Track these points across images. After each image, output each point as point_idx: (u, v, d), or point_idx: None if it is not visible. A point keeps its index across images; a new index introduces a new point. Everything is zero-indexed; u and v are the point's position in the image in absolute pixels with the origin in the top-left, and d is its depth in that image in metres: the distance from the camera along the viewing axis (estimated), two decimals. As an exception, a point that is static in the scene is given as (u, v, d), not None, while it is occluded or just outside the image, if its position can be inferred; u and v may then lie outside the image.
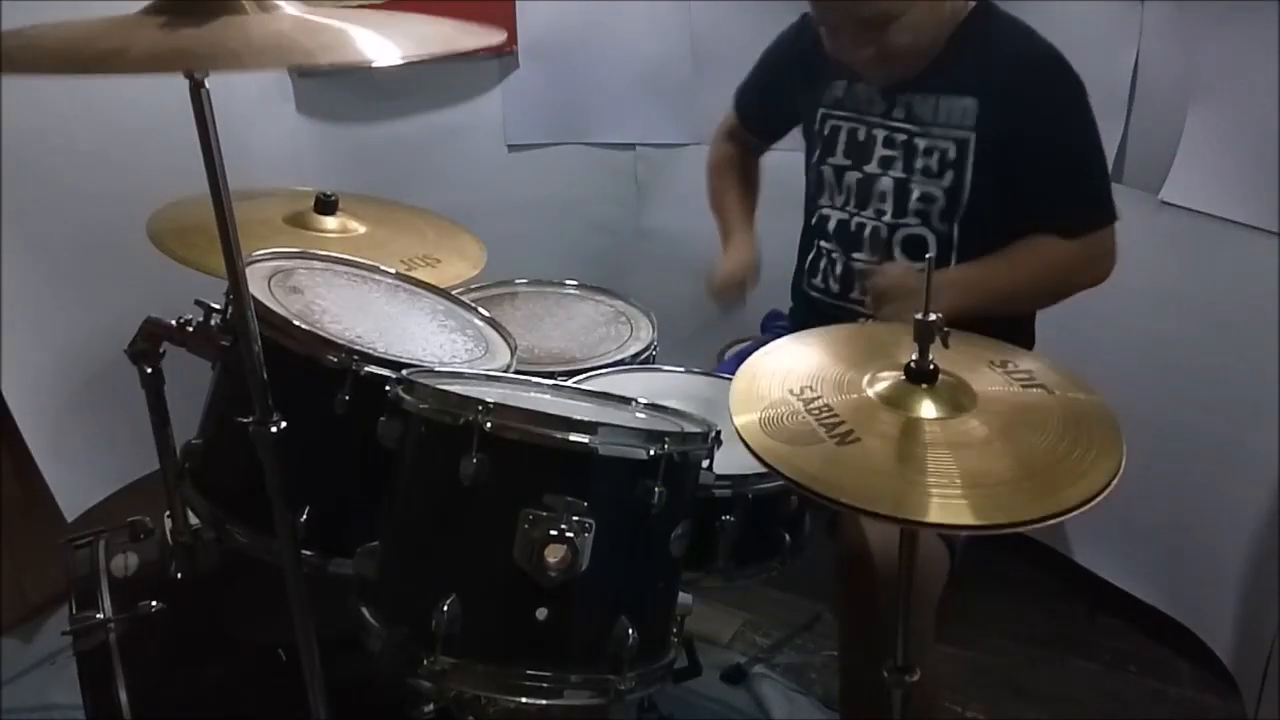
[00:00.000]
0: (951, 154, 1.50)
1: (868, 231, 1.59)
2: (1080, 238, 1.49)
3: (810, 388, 1.05)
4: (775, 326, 1.84)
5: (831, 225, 1.65)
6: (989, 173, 1.49)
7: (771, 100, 1.78)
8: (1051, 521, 0.88)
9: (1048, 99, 1.47)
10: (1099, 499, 0.90)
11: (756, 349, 1.62)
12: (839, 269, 1.64)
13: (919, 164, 1.53)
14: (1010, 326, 1.45)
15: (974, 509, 0.89)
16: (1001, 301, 1.50)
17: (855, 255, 1.61)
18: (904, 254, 1.56)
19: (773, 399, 1.04)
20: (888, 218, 1.57)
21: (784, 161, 1.85)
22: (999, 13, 1.54)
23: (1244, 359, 1.81)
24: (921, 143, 1.52)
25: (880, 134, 1.56)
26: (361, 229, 1.69)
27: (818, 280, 1.69)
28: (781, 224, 1.80)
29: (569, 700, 1.06)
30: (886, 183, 1.56)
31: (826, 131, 1.63)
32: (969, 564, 1.44)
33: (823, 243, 1.67)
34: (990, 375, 1.07)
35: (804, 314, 1.76)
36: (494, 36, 1.00)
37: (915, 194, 1.53)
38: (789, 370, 1.08)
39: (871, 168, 1.57)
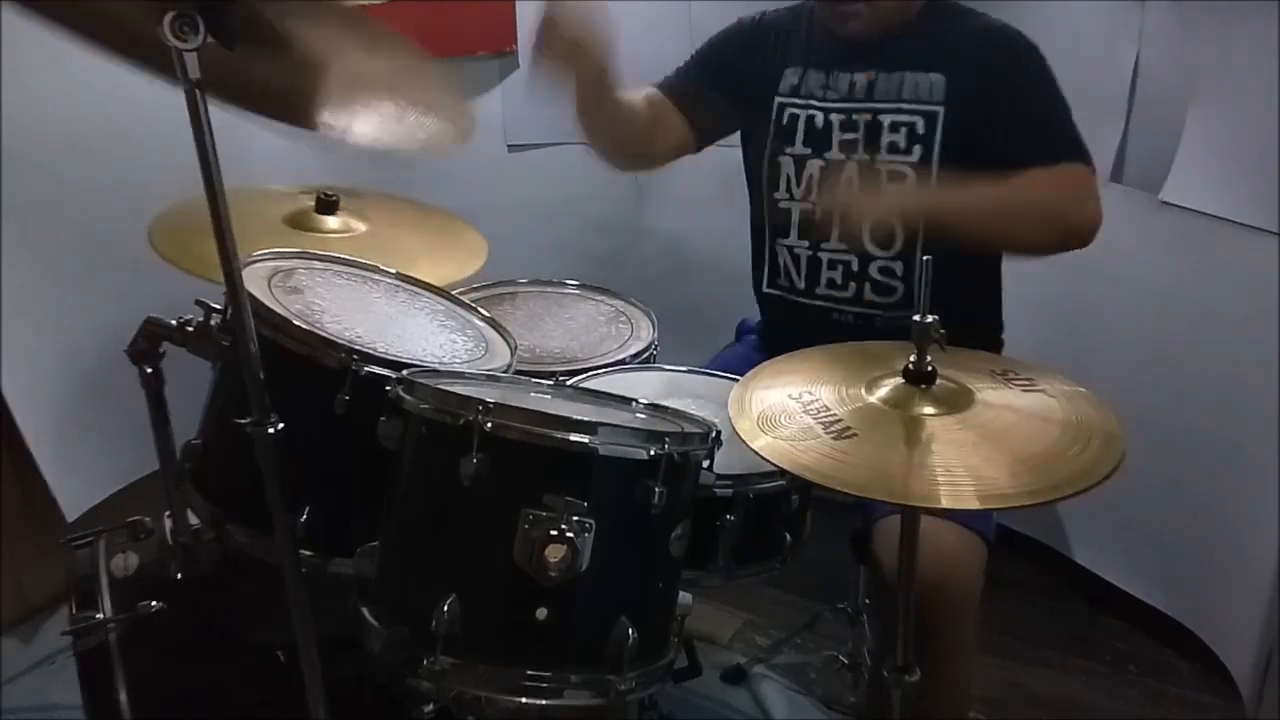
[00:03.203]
0: (920, 128, 1.50)
1: (834, 219, 1.52)
2: (1059, 164, 1.44)
3: (809, 392, 1.06)
4: (747, 338, 1.84)
5: (795, 218, 1.62)
6: (958, 143, 1.49)
7: (711, 94, 1.69)
8: (1057, 500, 0.89)
9: (1016, 67, 1.49)
10: (1108, 479, 0.90)
11: (737, 355, 1.61)
12: (804, 264, 1.61)
13: (885, 141, 1.52)
14: (976, 315, 1.43)
15: (980, 494, 0.89)
16: (988, 217, 1.43)
17: (824, 245, 1.59)
18: (873, 243, 1.53)
19: (770, 403, 1.05)
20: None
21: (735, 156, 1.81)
22: (951, 1, 1.57)
23: (1244, 359, 1.81)
24: (887, 119, 1.52)
25: (837, 119, 1.55)
26: (363, 226, 1.70)
27: (781, 279, 1.66)
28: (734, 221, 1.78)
29: (569, 700, 1.06)
30: (851, 168, 1.54)
31: (785, 120, 1.61)
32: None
33: (783, 240, 1.64)
34: (990, 380, 1.07)
35: (770, 317, 1.74)
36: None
37: (883, 174, 1.52)
38: (787, 379, 1.09)
39: (833, 153, 1.56)
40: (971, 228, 1.41)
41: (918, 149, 1.50)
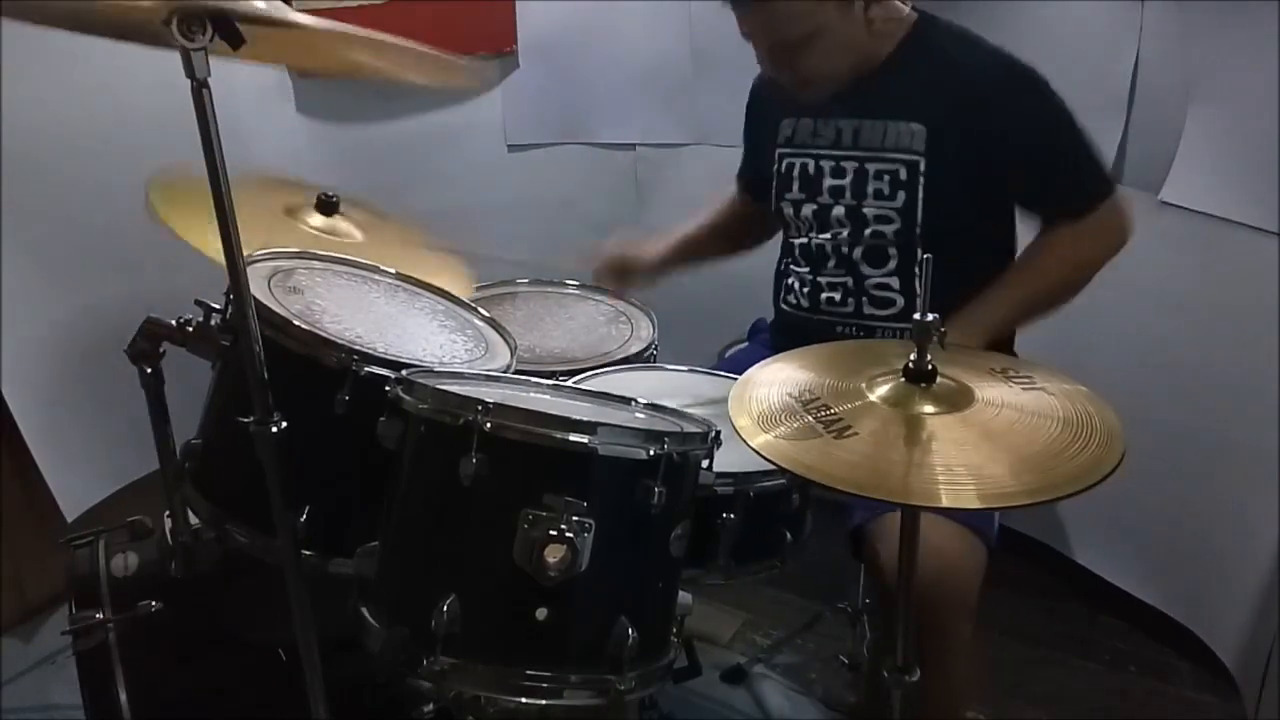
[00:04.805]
0: (903, 175, 1.52)
1: (829, 249, 1.61)
2: (1087, 215, 1.49)
3: (809, 391, 1.06)
4: (760, 337, 1.86)
5: (798, 250, 1.68)
6: (946, 188, 1.51)
7: (752, 160, 1.84)
8: (1057, 499, 0.89)
9: (1012, 103, 1.47)
10: (1108, 478, 0.90)
11: (748, 354, 1.63)
12: (808, 288, 1.66)
13: (870, 188, 1.55)
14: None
15: (980, 493, 0.89)
16: (1023, 314, 1.54)
17: (822, 272, 1.64)
18: (867, 264, 1.58)
19: (770, 401, 1.05)
20: (846, 236, 1.59)
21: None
22: (941, 25, 1.55)
23: (1244, 359, 1.81)
24: (872, 167, 1.54)
25: (828, 165, 1.59)
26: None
27: (791, 298, 1.71)
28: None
29: (569, 700, 1.06)
30: (840, 210, 1.58)
31: (783, 169, 1.66)
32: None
33: (794, 266, 1.70)
34: (990, 379, 1.07)
35: (781, 325, 1.78)
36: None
37: (870, 216, 1.55)
38: (787, 378, 1.09)
39: (824, 199, 1.60)
40: (1024, 321, 1.57)
41: (901, 195, 1.53)
